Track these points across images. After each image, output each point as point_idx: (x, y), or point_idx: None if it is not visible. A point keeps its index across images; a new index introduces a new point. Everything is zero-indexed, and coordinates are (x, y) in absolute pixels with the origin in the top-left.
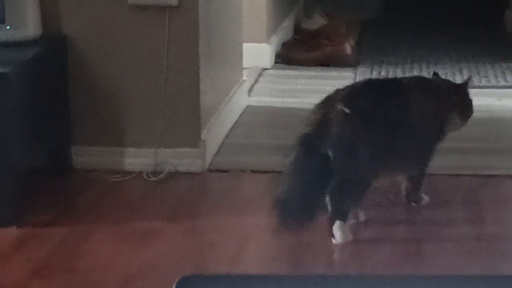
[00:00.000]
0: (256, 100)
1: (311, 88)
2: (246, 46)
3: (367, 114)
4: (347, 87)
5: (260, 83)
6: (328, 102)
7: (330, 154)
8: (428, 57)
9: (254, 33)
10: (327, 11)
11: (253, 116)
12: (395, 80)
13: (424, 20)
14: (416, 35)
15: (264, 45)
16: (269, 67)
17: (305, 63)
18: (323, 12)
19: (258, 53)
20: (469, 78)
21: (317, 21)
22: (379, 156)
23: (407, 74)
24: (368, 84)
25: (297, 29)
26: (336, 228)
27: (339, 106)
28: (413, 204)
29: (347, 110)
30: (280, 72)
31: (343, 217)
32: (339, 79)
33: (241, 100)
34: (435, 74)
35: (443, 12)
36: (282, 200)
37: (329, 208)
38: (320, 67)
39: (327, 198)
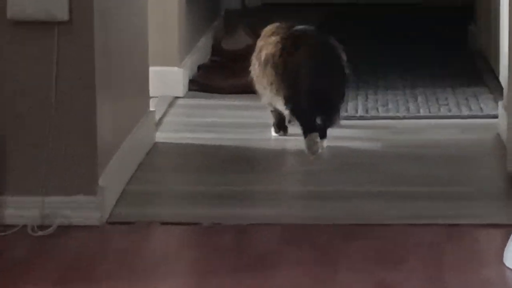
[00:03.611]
0: (165, 136)
1: (232, 122)
2: (153, 71)
3: None
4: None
5: (170, 115)
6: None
7: None
8: (375, 82)
9: (163, 54)
10: (252, 27)
11: (162, 156)
12: None
13: (372, 38)
14: (362, 55)
15: (175, 69)
16: (181, 95)
17: (225, 91)
18: (248, 28)
19: (168, 79)
20: None
21: (241, 40)
22: None
23: (350, 103)
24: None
25: (216, 49)
26: None
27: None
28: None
29: None
30: (195, 101)
31: None
32: (264, 110)
33: (147, 136)
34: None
35: (395, 29)
36: None
37: None
38: (243, 95)
39: None
